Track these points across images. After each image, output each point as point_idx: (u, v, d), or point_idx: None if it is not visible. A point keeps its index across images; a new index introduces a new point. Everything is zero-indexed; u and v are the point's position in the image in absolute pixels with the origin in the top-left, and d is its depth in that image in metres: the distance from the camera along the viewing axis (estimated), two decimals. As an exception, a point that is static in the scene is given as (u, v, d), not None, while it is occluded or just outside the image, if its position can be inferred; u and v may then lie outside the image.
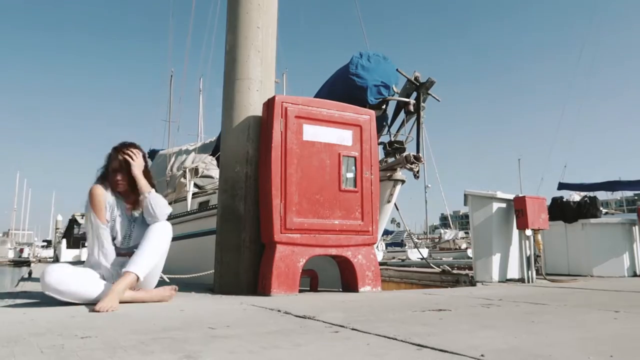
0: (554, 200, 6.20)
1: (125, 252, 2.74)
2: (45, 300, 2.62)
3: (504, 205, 4.95)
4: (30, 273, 6.77)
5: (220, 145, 3.85)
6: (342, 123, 3.55)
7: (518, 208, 4.84)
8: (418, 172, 4.41)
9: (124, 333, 1.64)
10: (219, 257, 3.51)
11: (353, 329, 1.73)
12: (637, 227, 5.90)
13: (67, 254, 22.59)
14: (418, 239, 31.39)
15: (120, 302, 2.37)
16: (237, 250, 3.41)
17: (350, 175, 3.52)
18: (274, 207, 3.22)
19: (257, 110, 3.56)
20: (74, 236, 24.12)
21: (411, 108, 4.62)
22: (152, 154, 12.89)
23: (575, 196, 6.23)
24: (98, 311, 2.20)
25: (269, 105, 3.42)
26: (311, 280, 3.68)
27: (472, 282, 4.67)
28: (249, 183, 3.48)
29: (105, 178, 2.79)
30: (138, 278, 2.50)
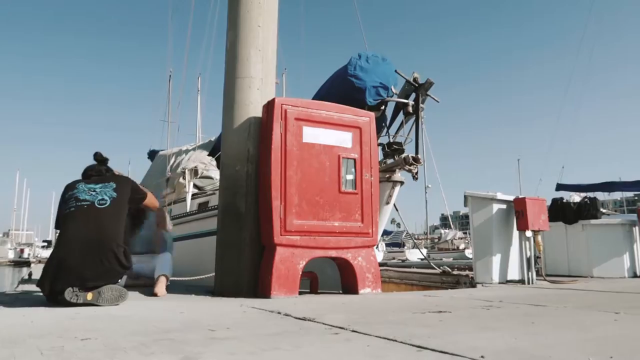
0: (554, 201, 6.21)
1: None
2: (45, 301, 2.62)
3: (504, 206, 4.95)
4: (30, 274, 6.75)
5: (220, 144, 3.85)
6: (341, 125, 3.55)
7: (518, 209, 4.84)
8: (417, 173, 4.41)
9: (124, 335, 1.64)
10: (220, 255, 3.51)
11: (353, 331, 1.73)
12: (637, 227, 5.90)
13: None
14: (418, 239, 31.39)
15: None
16: (237, 248, 3.41)
17: (350, 177, 3.52)
18: (274, 209, 3.22)
19: (258, 109, 3.56)
20: None
21: (410, 109, 4.62)
22: (152, 154, 12.89)
23: (576, 197, 6.25)
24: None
25: (269, 107, 3.42)
26: (311, 282, 3.68)
27: (472, 284, 4.66)
28: (250, 181, 3.48)
29: None
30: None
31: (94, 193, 2.70)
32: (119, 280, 2.78)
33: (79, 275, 2.48)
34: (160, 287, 3.40)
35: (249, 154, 3.52)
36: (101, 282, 2.54)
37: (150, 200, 3.21)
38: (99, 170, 2.99)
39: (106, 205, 2.67)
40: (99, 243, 2.57)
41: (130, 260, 2.74)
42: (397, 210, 4.66)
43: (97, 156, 3.06)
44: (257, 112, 3.56)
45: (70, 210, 2.65)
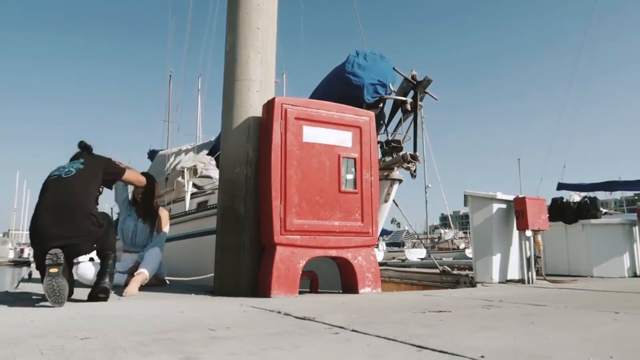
0: (554, 200, 6.20)
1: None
2: (45, 301, 2.62)
3: (504, 206, 4.95)
4: (30, 274, 6.73)
5: (220, 146, 3.85)
6: (341, 124, 3.54)
7: (518, 209, 4.84)
8: (415, 171, 4.40)
9: (124, 334, 1.64)
10: (219, 258, 3.51)
11: (353, 331, 1.73)
12: (637, 227, 5.90)
13: None
14: (418, 239, 31.36)
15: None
16: (237, 251, 3.40)
17: (350, 176, 3.51)
18: (274, 208, 3.22)
19: (257, 111, 3.55)
20: None
21: (408, 107, 4.60)
22: (152, 154, 12.87)
23: (576, 197, 6.24)
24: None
25: (269, 106, 3.41)
26: (311, 282, 3.67)
27: (472, 283, 4.66)
28: (249, 184, 3.48)
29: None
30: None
31: (62, 168, 2.98)
32: (110, 262, 2.91)
33: (57, 235, 2.66)
34: (132, 286, 3.34)
35: (248, 156, 3.51)
36: (76, 238, 2.72)
37: (131, 175, 3.38)
38: (78, 155, 3.20)
39: (71, 174, 2.90)
40: (68, 205, 2.78)
41: (103, 219, 2.89)
42: (397, 206, 4.64)
43: (81, 144, 3.24)
44: (256, 114, 3.56)
45: (43, 186, 2.89)
